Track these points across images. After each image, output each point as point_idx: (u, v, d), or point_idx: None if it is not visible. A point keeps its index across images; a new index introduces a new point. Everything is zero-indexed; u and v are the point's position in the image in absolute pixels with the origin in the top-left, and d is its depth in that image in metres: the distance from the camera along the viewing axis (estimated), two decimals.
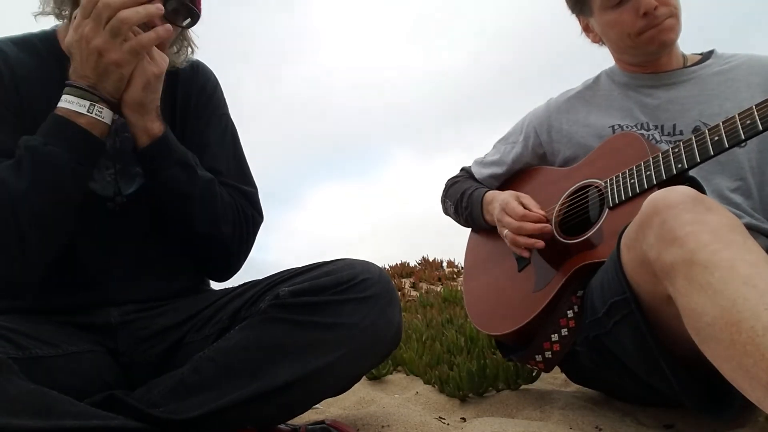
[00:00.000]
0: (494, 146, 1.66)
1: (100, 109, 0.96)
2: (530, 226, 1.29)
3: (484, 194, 1.50)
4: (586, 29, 1.46)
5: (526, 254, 1.33)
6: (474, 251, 1.63)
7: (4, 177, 0.92)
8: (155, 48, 1.00)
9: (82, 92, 0.95)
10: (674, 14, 1.28)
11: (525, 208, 1.33)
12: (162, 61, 1.01)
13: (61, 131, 0.95)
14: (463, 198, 1.57)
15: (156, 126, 1.04)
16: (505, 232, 1.35)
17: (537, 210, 1.32)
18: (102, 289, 1.09)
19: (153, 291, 1.14)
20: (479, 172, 1.64)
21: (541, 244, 1.28)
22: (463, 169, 1.73)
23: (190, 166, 1.09)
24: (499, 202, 1.39)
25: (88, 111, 0.95)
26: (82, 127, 0.95)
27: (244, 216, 1.18)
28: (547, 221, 1.31)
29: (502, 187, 1.59)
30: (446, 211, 1.71)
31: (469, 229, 1.68)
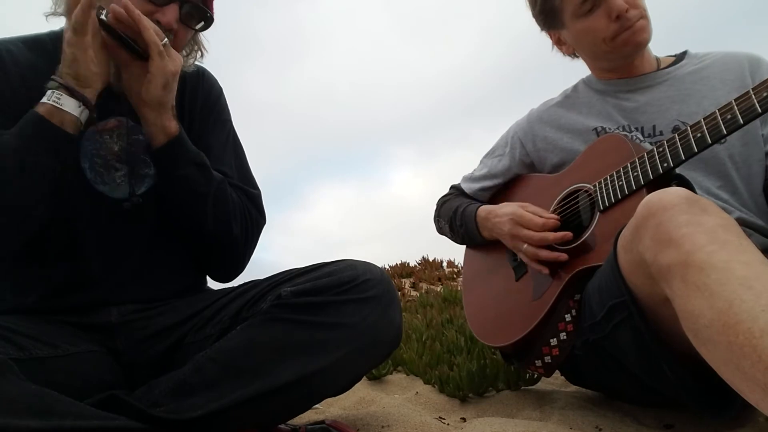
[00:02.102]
0: (481, 161, 1.66)
1: (59, 96, 0.96)
2: (553, 236, 1.25)
3: (476, 210, 1.49)
4: (558, 43, 1.47)
5: (545, 271, 1.26)
6: (471, 264, 1.63)
7: None
8: (171, 48, 1.02)
9: (49, 82, 0.97)
10: (644, 16, 1.29)
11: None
12: (178, 59, 1.03)
13: (22, 121, 0.96)
14: (455, 215, 1.56)
15: (173, 125, 1.06)
16: (524, 246, 1.30)
17: (549, 215, 1.30)
18: (102, 289, 1.09)
19: (153, 291, 1.14)
20: (469, 188, 1.64)
21: (564, 257, 1.24)
22: (452, 187, 1.73)
23: (205, 166, 1.10)
24: (507, 216, 1.36)
25: (47, 98, 0.96)
26: (37, 113, 0.95)
27: (250, 217, 1.20)
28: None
29: (493, 199, 1.59)
30: (441, 230, 1.70)
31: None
